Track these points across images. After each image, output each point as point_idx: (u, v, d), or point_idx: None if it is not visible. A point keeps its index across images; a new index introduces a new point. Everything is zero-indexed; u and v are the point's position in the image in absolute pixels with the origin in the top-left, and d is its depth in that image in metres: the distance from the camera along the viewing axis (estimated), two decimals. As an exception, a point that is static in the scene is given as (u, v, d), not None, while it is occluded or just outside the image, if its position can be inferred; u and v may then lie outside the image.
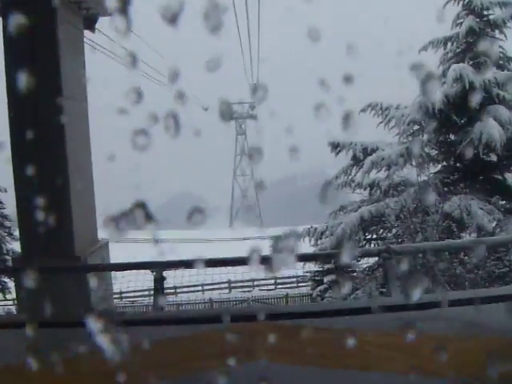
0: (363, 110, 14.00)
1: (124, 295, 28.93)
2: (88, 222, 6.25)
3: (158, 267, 4.74)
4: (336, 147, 13.83)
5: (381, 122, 14.02)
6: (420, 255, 8.03)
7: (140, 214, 1.27)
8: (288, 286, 28.25)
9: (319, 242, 13.90)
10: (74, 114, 5.77)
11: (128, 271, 6.79)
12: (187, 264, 4.59)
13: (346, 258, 1.48)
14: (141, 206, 1.25)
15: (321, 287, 15.57)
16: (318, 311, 3.05)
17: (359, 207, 13.58)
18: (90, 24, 6.04)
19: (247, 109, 73.41)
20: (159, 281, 4.70)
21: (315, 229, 13.95)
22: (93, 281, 5.07)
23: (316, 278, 16.31)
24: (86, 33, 6.16)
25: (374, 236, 13.76)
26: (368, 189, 14.07)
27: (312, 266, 15.65)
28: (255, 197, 78.19)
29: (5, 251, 16.53)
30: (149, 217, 1.27)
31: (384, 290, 11.56)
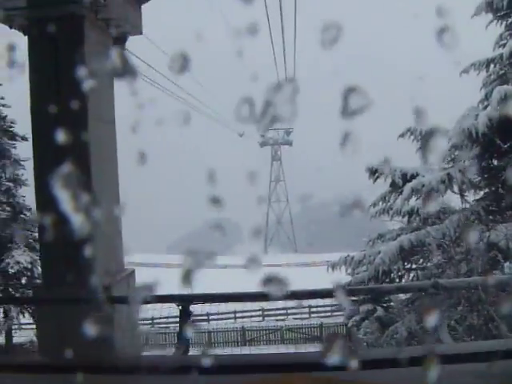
0: (402, 136, 13.54)
1: (156, 321, 28.79)
2: (114, 250, 5.94)
3: (183, 300, 4.35)
4: (374, 173, 13.34)
5: (420, 147, 13.50)
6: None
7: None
8: (323, 315, 27.67)
9: (356, 271, 13.43)
10: (100, 136, 5.52)
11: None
12: (211, 298, 4.22)
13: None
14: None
15: (356, 317, 15.11)
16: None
17: (398, 235, 13.06)
18: (120, 43, 5.84)
19: (282, 135, 73.73)
20: (185, 316, 4.29)
21: (352, 257, 13.49)
22: (118, 313, 4.76)
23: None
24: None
25: (414, 266, 13.20)
26: (407, 216, 13.52)
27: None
28: (290, 223, 78.03)
29: (36, 275, 16.66)
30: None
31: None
